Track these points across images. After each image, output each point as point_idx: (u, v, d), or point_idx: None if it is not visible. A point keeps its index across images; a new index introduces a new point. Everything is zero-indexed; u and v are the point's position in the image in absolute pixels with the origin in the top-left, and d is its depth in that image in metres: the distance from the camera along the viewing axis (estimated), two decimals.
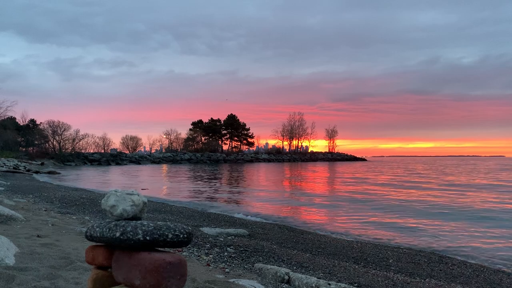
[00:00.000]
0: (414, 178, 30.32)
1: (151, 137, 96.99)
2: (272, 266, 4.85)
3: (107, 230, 1.77)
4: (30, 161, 45.69)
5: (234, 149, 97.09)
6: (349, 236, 8.94)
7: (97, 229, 1.83)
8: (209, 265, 5.03)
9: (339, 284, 4.20)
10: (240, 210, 12.66)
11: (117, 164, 64.32)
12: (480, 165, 66.17)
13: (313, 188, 21.90)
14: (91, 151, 70.47)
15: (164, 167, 55.72)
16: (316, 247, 7.20)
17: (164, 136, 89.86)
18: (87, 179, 28.36)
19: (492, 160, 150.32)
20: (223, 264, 5.22)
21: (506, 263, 6.86)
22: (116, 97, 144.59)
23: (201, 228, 7.96)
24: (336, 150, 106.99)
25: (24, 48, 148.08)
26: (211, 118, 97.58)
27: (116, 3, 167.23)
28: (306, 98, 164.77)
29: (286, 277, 4.48)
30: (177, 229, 1.76)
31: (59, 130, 63.79)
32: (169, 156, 76.07)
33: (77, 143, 66.61)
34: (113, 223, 1.80)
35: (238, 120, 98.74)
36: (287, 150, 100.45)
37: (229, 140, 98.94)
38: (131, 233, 1.70)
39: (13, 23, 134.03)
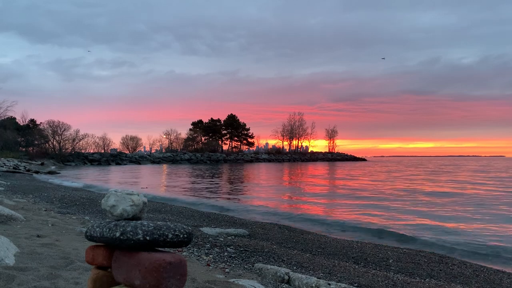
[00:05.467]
0: (414, 178, 30.33)
1: (151, 137, 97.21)
2: (272, 266, 4.85)
3: (107, 230, 1.77)
4: (30, 161, 45.69)
5: (234, 149, 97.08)
6: (349, 236, 8.94)
7: (97, 229, 1.83)
8: (209, 265, 5.03)
9: (339, 284, 4.20)
10: (240, 210, 12.66)
11: (117, 164, 64.33)
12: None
13: (313, 188, 21.90)
14: (91, 151, 70.48)
15: (164, 167, 55.71)
16: (316, 247, 7.20)
17: (164, 136, 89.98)
18: (87, 179, 28.36)
19: (492, 160, 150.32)
20: (223, 264, 5.22)
21: (507, 262, 6.87)
22: (116, 97, 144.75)
23: (201, 228, 7.96)
24: (336, 150, 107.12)
25: (25, 49, 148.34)
26: (211, 118, 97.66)
27: (118, 4, 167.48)
28: (306, 98, 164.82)
29: (286, 277, 4.48)
30: (177, 229, 1.76)
31: (59, 130, 63.80)
32: (169, 156, 76.07)
33: (77, 143, 66.62)
34: (113, 223, 1.79)
35: (238, 120, 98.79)
36: (287, 150, 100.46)
37: (229, 140, 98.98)
38: (131, 233, 1.70)
39: (15, 23, 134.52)
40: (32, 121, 70.18)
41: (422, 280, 5.27)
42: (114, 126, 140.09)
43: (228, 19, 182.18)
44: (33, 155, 55.44)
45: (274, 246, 6.78)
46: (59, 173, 34.66)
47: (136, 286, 1.68)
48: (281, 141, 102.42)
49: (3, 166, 31.70)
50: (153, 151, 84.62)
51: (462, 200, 15.79)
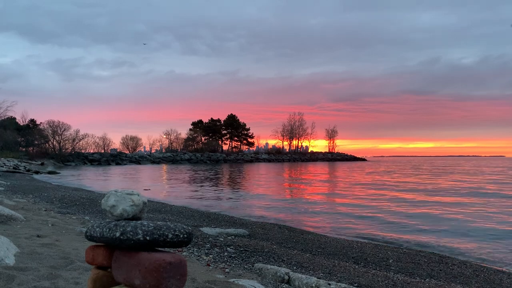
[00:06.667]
0: (415, 179, 30.33)
1: (151, 137, 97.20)
2: (272, 266, 4.85)
3: (107, 230, 1.77)
4: (30, 161, 45.66)
5: (234, 149, 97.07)
6: (349, 236, 8.94)
7: (97, 229, 1.83)
8: (209, 265, 5.03)
9: (339, 284, 4.20)
10: (240, 210, 12.66)
11: (117, 164, 64.32)
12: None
13: (313, 188, 21.90)
14: (91, 151, 70.46)
15: (164, 167, 55.71)
16: (316, 247, 7.20)
17: (164, 136, 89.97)
18: (87, 179, 28.36)
19: (492, 160, 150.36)
20: (223, 264, 5.22)
21: (507, 262, 6.86)
22: (116, 97, 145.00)
23: (201, 228, 7.96)
24: (336, 150, 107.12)
25: (26, 49, 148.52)
26: (211, 118, 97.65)
27: (118, 4, 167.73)
28: (306, 98, 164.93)
29: (286, 277, 4.48)
30: (177, 229, 1.76)
31: (59, 130, 63.76)
32: (169, 156, 76.05)
33: (77, 143, 66.59)
34: (113, 223, 1.79)
35: (238, 120, 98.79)
36: (287, 150, 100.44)
37: (229, 140, 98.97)
38: (131, 233, 1.70)
39: (16, 24, 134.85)
40: (32, 121, 70.17)
41: (422, 280, 5.27)
42: (114, 126, 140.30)
43: (228, 19, 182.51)
44: (33, 155, 55.41)
45: (274, 246, 6.78)
46: (59, 173, 34.65)
47: (136, 286, 1.68)
48: (281, 141, 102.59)
49: (3, 166, 31.69)
50: (153, 151, 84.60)
51: (461, 200, 15.79)
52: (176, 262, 1.68)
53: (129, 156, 73.37)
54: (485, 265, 6.64)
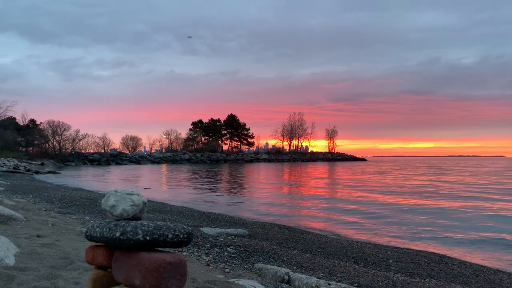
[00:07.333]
0: (414, 179, 30.33)
1: (151, 137, 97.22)
2: (272, 266, 4.85)
3: (107, 230, 1.77)
4: (30, 161, 45.63)
5: (234, 149, 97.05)
6: (349, 236, 8.94)
7: (97, 229, 1.83)
8: (209, 265, 5.03)
9: (339, 284, 4.20)
10: (240, 210, 12.66)
11: (117, 164, 64.33)
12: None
13: (313, 189, 21.90)
14: (91, 151, 70.47)
15: (164, 167, 55.70)
16: (316, 247, 7.20)
17: (164, 136, 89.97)
18: (87, 179, 28.35)
19: (492, 160, 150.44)
20: (223, 264, 5.22)
21: (507, 263, 6.86)
22: (116, 97, 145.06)
23: (201, 228, 7.96)
24: (336, 150, 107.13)
25: (26, 49, 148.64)
26: (211, 118, 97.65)
27: (118, 4, 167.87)
28: (306, 98, 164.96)
29: (286, 277, 4.48)
30: (177, 229, 1.76)
31: (59, 130, 63.73)
32: (169, 156, 76.05)
33: (77, 143, 66.57)
34: (113, 223, 1.79)
35: (238, 120, 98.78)
36: (287, 150, 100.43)
37: (229, 140, 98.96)
38: (131, 233, 1.70)
39: (16, 24, 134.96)
40: (32, 121, 70.16)
41: (422, 280, 5.27)
42: (114, 126, 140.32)
43: (228, 19, 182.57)
44: (33, 155, 55.37)
45: (274, 246, 6.78)
46: (59, 173, 34.64)
47: (136, 286, 1.68)
48: (281, 141, 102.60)
49: (3, 166, 31.68)
50: (153, 151, 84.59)
51: (461, 201, 15.79)
52: (176, 262, 1.68)
53: (129, 156, 73.37)
54: (485, 265, 6.63)
